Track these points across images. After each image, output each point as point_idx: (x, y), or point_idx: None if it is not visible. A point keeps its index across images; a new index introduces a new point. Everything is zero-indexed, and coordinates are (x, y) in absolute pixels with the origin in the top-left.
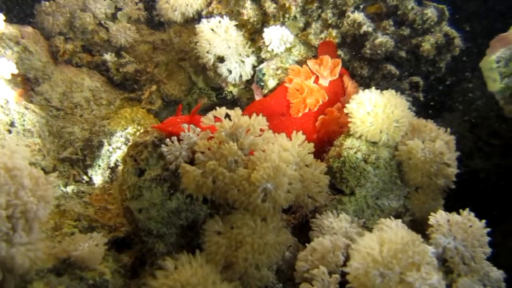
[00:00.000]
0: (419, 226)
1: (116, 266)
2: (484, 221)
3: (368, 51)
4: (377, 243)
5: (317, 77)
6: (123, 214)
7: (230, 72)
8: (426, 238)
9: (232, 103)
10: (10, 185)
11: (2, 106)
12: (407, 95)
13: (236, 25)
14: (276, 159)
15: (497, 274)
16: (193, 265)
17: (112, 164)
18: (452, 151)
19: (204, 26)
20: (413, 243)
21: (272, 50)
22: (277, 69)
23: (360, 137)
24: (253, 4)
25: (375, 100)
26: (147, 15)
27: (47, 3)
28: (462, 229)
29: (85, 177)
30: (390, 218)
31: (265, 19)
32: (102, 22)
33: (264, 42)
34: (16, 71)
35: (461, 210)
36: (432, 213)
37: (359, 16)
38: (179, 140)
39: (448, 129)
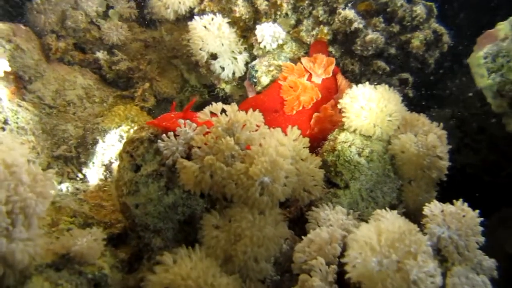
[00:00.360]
0: (413, 217)
1: (113, 261)
2: (477, 211)
3: (359, 48)
4: (374, 233)
5: (310, 74)
6: (120, 210)
7: (223, 69)
8: (421, 228)
9: (224, 101)
10: (10, 181)
11: None
12: (396, 91)
13: (228, 23)
14: (274, 153)
15: (489, 262)
16: (192, 258)
17: (106, 161)
18: (444, 144)
19: (197, 23)
20: (409, 232)
21: (265, 47)
22: (270, 66)
23: (354, 131)
24: (245, 1)
25: (368, 95)
26: (138, 13)
27: (38, 0)
28: (456, 219)
29: (79, 174)
30: (385, 209)
31: (257, 17)
32: (94, 20)
33: (256, 39)
34: (8, 69)
35: (454, 201)
36: (426, 204)
37: (350, 13)
38: (175, 135)
39: (441, 124)
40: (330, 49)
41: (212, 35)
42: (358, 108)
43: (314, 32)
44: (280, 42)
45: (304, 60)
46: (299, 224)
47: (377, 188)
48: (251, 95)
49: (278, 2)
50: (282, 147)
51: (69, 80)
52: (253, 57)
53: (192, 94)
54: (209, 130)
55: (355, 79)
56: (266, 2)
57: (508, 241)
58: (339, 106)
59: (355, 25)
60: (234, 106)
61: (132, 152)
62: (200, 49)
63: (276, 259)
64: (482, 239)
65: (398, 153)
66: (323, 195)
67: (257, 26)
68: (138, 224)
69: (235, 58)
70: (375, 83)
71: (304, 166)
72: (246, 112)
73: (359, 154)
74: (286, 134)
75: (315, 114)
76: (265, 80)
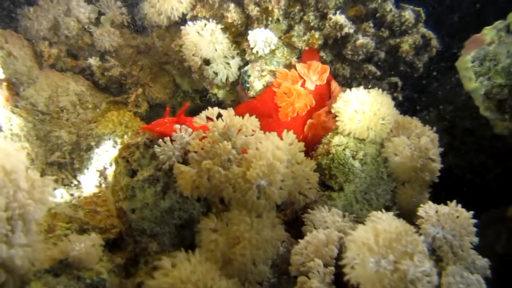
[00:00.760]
0: (407, 219)
1: (111, 266)
2: (471, 212)
3: (349, 52)
4: (372, 234)
5: (304, 81)
6: (117, 215)
7: (216, 74)
8: (416, 229)
9: (216, 106)
10: (9, 188)
11: None
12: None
13: (221, 28)
14: (271, 157)
15: (482, 261)
16: (191, 262)
17: (100, 167)
18: (436, 147)
19: (190, 29)
20: (406, 233)
21: (257, 52)
22: (262, 71)
23: (348, 134)
24: (236, 7)
25: (362, 98)
26: (129, 19)
27: (31, 8)
28: (450, 219)
29: (73, 180)
30: (381, 210)
31: (248, 22)
32: (86, 26)
33: (248, 45)
34: (2, 76)
35: (448, 202)
36: (421, 205)
37: (340, 18)
38: (171, 140)
39: (434, 127)
40: (321, 53)
41: (205, 40)
42: (352, 111)
43: (305, 37)
44: (272, 47)
45: (299, 66)
46: (294, 226)
47: (371, 190)
48: (243, 100)
49: (270, 8)
50: (278, 151)
51: (62, 86)
52: (245, 63)
53: (184, 99)
54: (205, 134)
55: (346, 83)
56: (257, 8)
57: (497, 241)
58: (332, 111)
59: (346, 30)
60: (231, 111)
61: (128, 158)
62: (193, 55)
63: (273, 261)
64: (476, 239)
65: (392, 155)
66: (318, 197)
67: (250, 32)
68: (135, 229)
69: (228, 63)
70: (366, 87)
71: (299, 170)
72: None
73: (353, 157)
74: (281, 139)
75: (309, 121)
76: (258, 85)
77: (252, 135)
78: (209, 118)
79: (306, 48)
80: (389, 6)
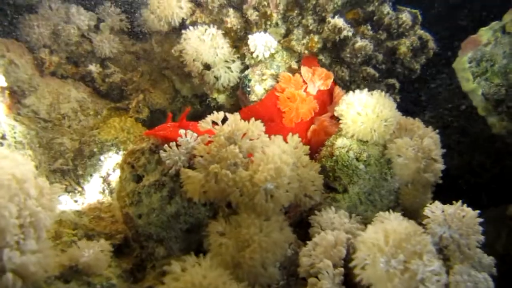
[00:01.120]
0: (411, 220)
1: (119, 271)
2: (477, 211)
3: (348, 55)
4: (382, 234)
5: (306, 86)
6: (123, 221)
7: (217, 79)
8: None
9: (216, 110)
10: (20, 196)
11: None
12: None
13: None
14: (278, 160)
15: (488, 260)
16: (202, 266)
17: (104, 173)
18: (439, 148)
19: (191, 34)
20: (415, 233)
21: (257, 56)
22: (263, 75)
23: (352, 136)
24: (235, 12)
25: (364, 101)
26: (128, 26)
27: (31, 16)
28: (456, 218)
29: (77, 187)
30: (389, 211)
31: (247, 27)
32: (85, 33)
33: (247, 49)
34: (5, 84)
35: (454, 202)
36: (427, 205)
37: (339, 22)
38: (176, 145)
39: (437, 129)
40: (320, 57)
41: (206, 45)
42: (355, 114)
43: (304, 41)
44: (272, 51)
45: (304, 69)
46: (299, 228)
47: (375, 191)
48: (244, 104)
49: (268, 13)
50: (285, 154)
51: (63, 93)
52: (245, 67)
53: (184, 104)
54: (211, 139)
55: (345, 86)
56: (256, 13)
57: (497, 240)
58: (336, 113)
59: (345, 33)
60: (237, 115)
61: (134, 163)
62: (194, 60)
63: (281, 263)
64: (482, 238)
65: (395, 156)
66: (322, 200)
67: (249, 36)
68: (141, 234)
69: (229, 68)
70: (365, 90)
71: (305, 172)
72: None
73: (357, 159)
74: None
75: (312, 127)
76: (259, 89)
77: (257, 139)
78: (214, 123)
79: (306, 52)
80: (386, 9)
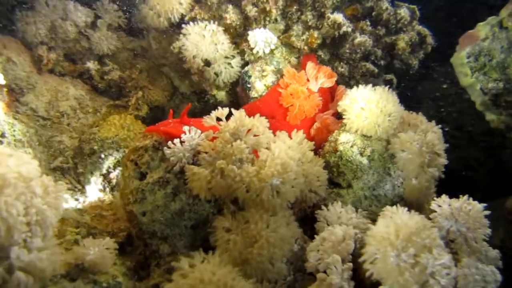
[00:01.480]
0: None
1: (124, 269)
2: (484, 204)
3: (347, 51)
4: (393, 228)
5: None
6: (127, 218)
7: (217, 75)
8: None
9: (214, 107)
10: (27, 194)
11: None
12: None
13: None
14: (284, 156)
15: (493, 253)
16: (211, 262)
17: (104, 171)
18: (442, 142)
19: (191, 30)
20: (424, 227)
21: (257, 52)
22: (263, 71)
23: (356, 131)
24: (235, 8)
25: (367, 96)
26: (126, 22)
27: (29, 12)
28: (463, 212)
29: (77, 185)
30: (393, 205)
31: (246, 23)
32: (83, 30)
33: (247, 45)
34: (3, 82)
35: (460, 196)
36: (434, 199)
37: (339, 17)
38: (180, 142)
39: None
40: (319, 52)
41: (206, 41)
42: (359, 109)
43: (304, 37)
44: (272, 47)
45: (310, 65)
46: (304, 224)
47: (379, 186)
48: (243, 100)
49: (267, 8)
50: (290, 150)
51: (61, 91)
52: (245, 63)
53: (182, 101)
54: (215, 135)
55: (345, 82)
56: (255, 9)
57: (495, 234)
58: (339, 109)
59: (344, 28)
60: (242, 111)
61: (137, 160)
62: (194, 56)
63: (288, 259)
64: (488, 231)
65: (399, 151)
66: (326, 195)
67: (250, 32)
68: (145, 232)
69: (229, 64)
70: (369, 85)
71: (310, 168)
72: None
73: (361, 154)
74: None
75: (315, 124)
76: (259, 85)
77: (262, 135)
78: (218, 119)
79: (305, 48)
80: (385, 4)
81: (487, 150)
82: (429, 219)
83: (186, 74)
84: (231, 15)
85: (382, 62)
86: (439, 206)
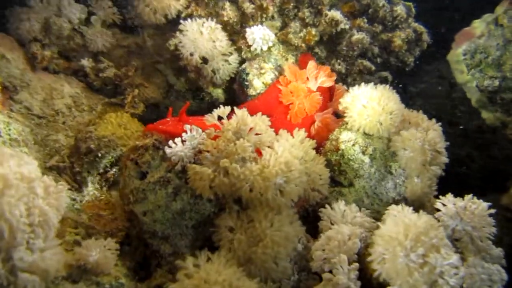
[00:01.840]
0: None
1: (125, 270)
2: (488, 203)
3: (344, 48)
4: (402, 228)
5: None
6: (127, 218)
7: (214, 72)
8: None
9: (211, 105)
10: (28, 195)
11: None
12: None
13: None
14: (288, 154)
15: (497, 251)
16: (215, 262)
17: (101, 170)
18: (442, 140)
19: (188, 26)
20: (432, 226)
21: (255, 49)
22: (261, 69)
23: (358, 129)
24: (231, 5)
25: (369, 94)
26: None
27: (22, 9)
28: (468, 211)
29: (74, 184)
30: (401, 205)
31: (243, 20)
32: (77, 27)
33: (244, 42)
34: None
35: (465, 195)
36: (441, 197)
37: (336, 14)
38: (182, 141)
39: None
40: (316, 50)
41: (204, 38)
42: (360, 107)
43: (301, 34)
44: (270, 44)
45: (311, 64)
46: (305, 223)
47: (381, 185)
48: (241, 98)
49: (264, 5)
50: (294, 148)
51: (56, 89)
52: (242, 61)
53: (177, 98)
54: (217, 133)
55: (341, 79)
56: (252, 6)
57: None
58: (341, 107)
59: (342, 26)
60: (244, 110)
61: (137, 160)
62: (191, 54)
63: (292, 258)
64: (493, 230)
65: (400, 149)
66: (328, 193)
67: (247, 29)
68: (146, 231)
69: (227, 61)
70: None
71: (312, 166)
72: None
73: (363, 153)
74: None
75: (316, 124)
76: (257, 83)
77: (264, 133)
78: (219, 117)
79: (303, 45)
80: (382, 1)
81: (480, 146)
82: (435, 218)
83: (182, 71)
84: (228, 12)
85: (379, 60)
86: (444, 205)
